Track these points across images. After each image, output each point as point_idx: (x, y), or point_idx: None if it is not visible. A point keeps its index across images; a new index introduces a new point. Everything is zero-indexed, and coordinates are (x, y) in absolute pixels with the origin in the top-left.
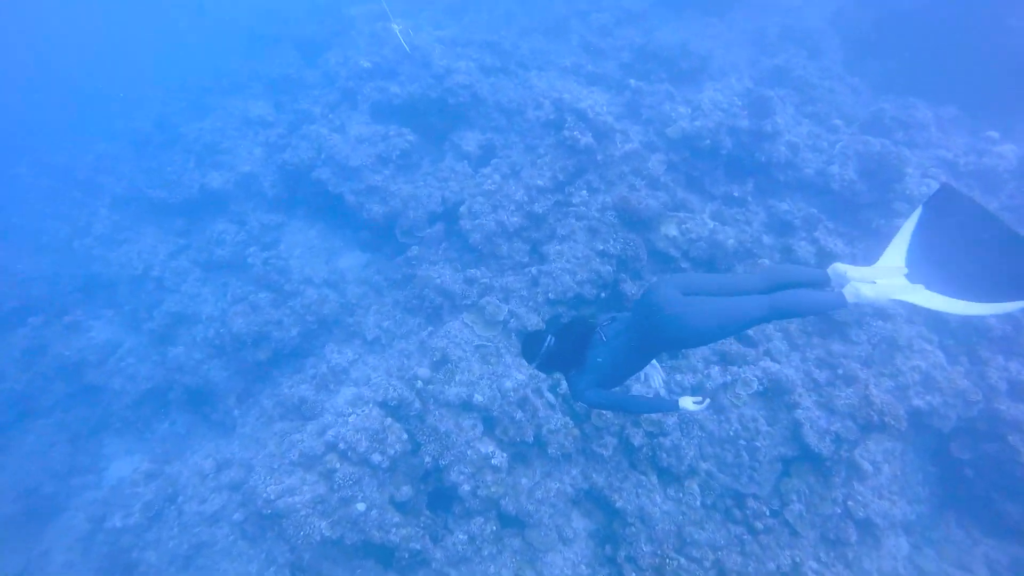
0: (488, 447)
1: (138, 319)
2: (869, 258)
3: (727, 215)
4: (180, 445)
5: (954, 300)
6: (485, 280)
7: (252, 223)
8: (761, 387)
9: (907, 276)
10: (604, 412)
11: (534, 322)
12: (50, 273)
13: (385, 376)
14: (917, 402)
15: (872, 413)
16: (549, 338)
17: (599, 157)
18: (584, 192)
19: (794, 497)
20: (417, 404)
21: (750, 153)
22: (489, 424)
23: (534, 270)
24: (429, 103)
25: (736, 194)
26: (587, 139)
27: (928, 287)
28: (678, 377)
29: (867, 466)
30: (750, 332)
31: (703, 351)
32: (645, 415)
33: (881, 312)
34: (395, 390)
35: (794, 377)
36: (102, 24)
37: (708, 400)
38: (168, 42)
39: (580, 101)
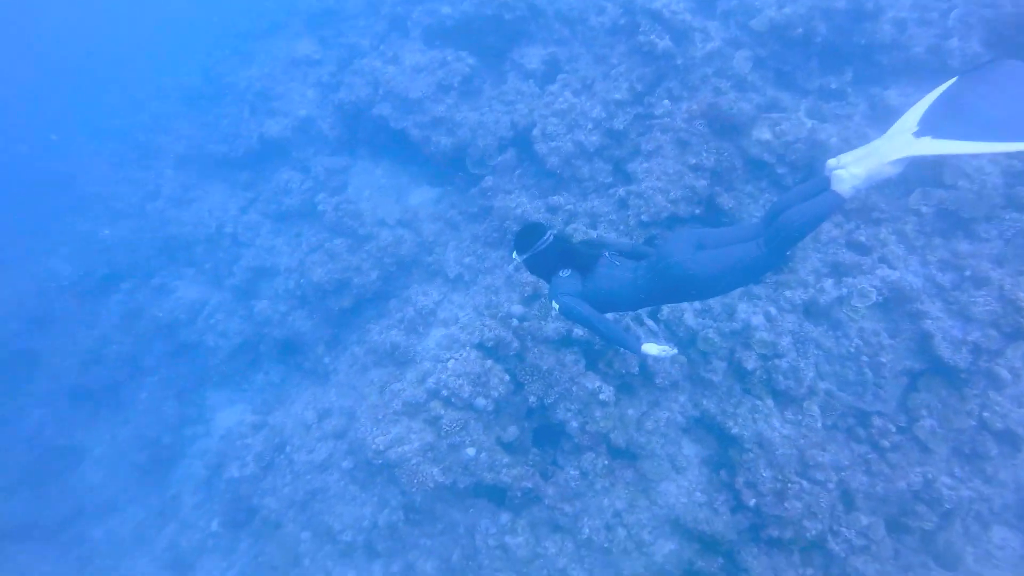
0: (594, 382)
1: (219, 276)
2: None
3: (826, 111)
4: (278, 394)
5: (965, 142)
6: (569, 206)
7: (317, 168)
8: (880, 297)
9: (914, 134)
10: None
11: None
12: (130, 238)
13: (474, 314)
14: None
15: (1022, 319)
16: (549, 234)
17: (679, 61)
18: (666, 102)
19: (924, 412)
20: (515, 343)
21: (848, 37)
22: (592, 358)
23: (622, 191)
24: (484, 21)
25: (834, 86)
26: (665, 43)
27: (936, 136)
28: (787, 293)
29: (1005, 374)
30: (862, 238)
31: (815, 264)
32: (610, 342)
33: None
34: (491, 330)
35: (916, 284)
36: None
37: (675, 351)
38: None
39: (653, 1)
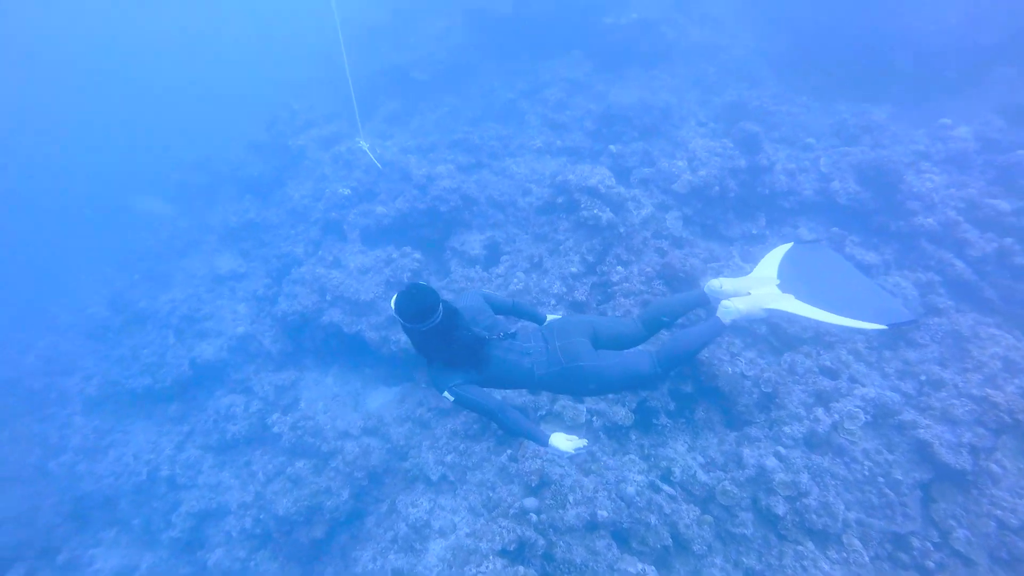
0: (633, 565)
1: (153, 531)
2: (893, 262)
3: (755, 253)
4: None
5: (822, 311)
6: None
7: (263, 387)
8: (868, 416)
9: (779, 286)
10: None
11: (621, 415)
12: (25, 508)
13: (471, 516)
14: (1010, 388)
15: (1003, 415)
16: (441, 306)
17: (621, 229)
18: (619, 268)
19: (952, 523)
20: (541, 541)
21: (752, 189)
22: (622, 538)
23: None
24: (419, 215)
25: (754, 231)
26: (607, 215)
27: (798, 297)
28: (786, 429)
29: (996, 468)
30: (828, 362)
31: (800, 396)
32: (512, 435)
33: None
34: (510, 532)
35: (894, 397)
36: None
37: (584, 443)
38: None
39: (588, 178)
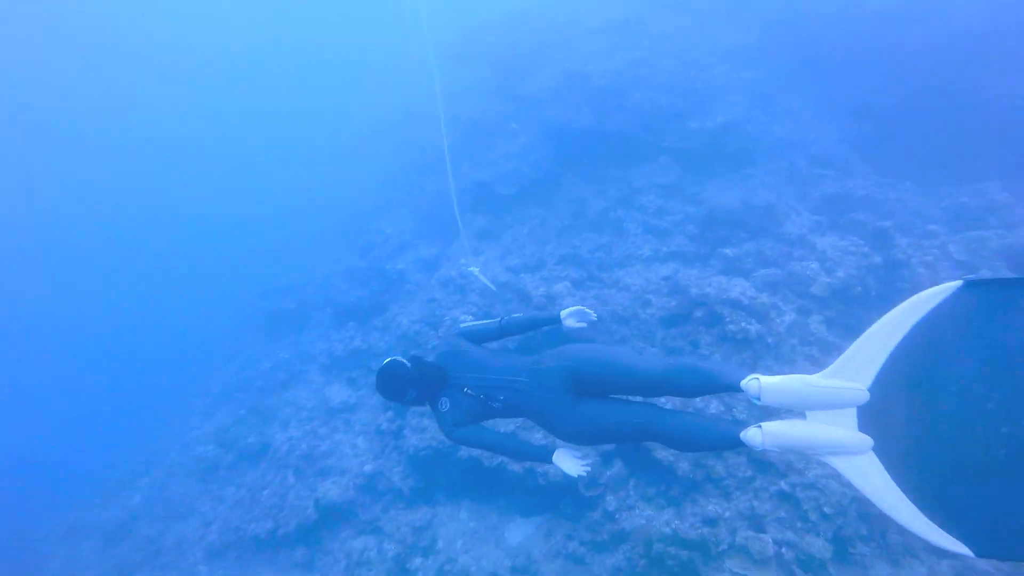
0: None
1: None
2: None
3: None
4: None
5: (903, 501)
6: (726, 513)
7: (398, 528)
8: None
9: (859, 411)
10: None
11: (817, 546)
12: None
13: None
14: None
15: None
16: (404, 364)
17: (769, 340)
18: None
19: None
20: None
21: (891, 285)
22: None
23: (783, 484)
24: (543, 337)
25: None
26: (755, 326)
27: (878, 455)
28: None
29: None
30: None
31: None
32: (518, 460)
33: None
34: None
35: None
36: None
37: (589, 468)
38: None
39: (728, 291)
